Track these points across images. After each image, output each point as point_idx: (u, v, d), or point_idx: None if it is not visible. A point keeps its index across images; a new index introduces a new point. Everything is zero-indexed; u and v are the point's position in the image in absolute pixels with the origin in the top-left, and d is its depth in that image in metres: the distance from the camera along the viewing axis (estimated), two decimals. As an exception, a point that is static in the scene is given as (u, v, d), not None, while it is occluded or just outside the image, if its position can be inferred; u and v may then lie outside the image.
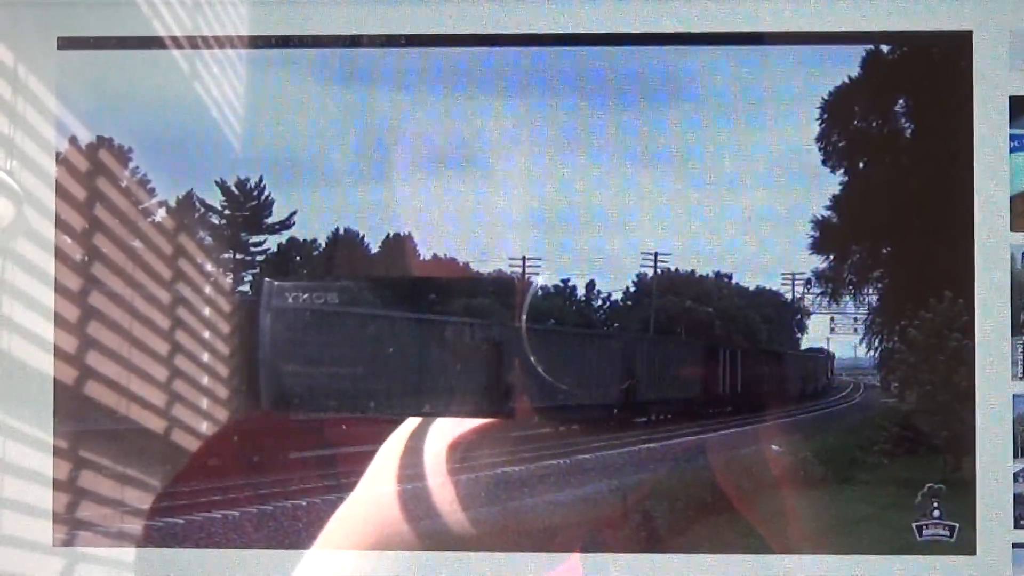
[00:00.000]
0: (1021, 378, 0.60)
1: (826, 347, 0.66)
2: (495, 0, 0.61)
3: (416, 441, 0.60)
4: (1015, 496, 0.60)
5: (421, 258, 0.63)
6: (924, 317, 0.61)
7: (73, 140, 0.63)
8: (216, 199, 0.63)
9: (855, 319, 0.65)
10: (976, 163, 0.60)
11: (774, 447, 0.64)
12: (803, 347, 0.66)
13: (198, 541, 0.62)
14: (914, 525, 0.61)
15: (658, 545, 0.61)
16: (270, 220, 0.64)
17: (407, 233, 0.63)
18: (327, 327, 0.61)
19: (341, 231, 0.63)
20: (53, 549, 0.61)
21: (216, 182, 0.63)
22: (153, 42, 0.62)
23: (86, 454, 0.62)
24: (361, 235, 0.63)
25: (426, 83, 0.62)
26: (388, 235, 0.63)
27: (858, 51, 0.62)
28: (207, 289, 0.64)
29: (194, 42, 0.63)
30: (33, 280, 0.62)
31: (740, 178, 0.62)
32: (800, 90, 0.62)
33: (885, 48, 0.62)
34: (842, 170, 0.63)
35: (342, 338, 0.61)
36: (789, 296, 0.64)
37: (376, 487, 0.60)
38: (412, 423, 0.61)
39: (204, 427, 0.64)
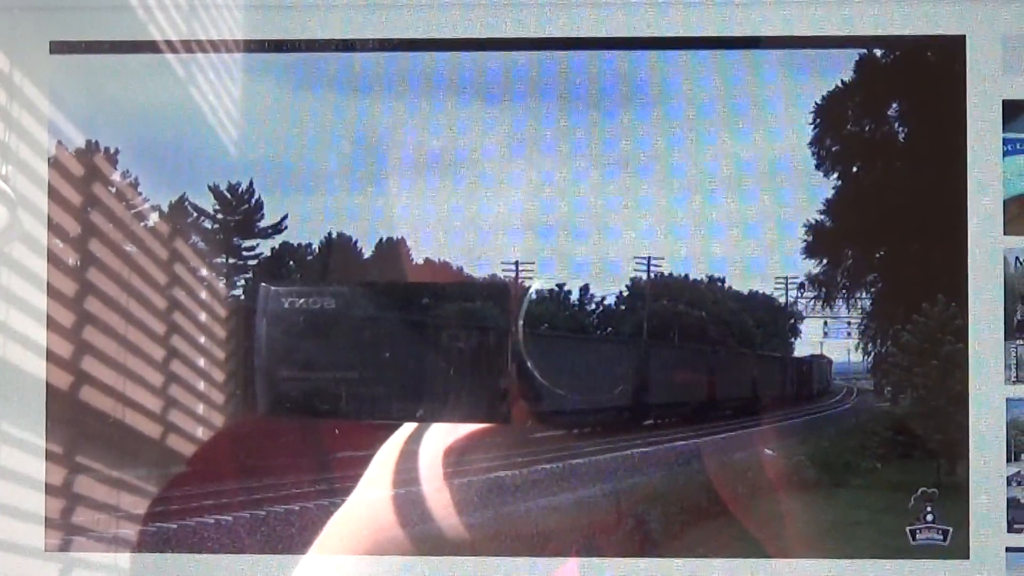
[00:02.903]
0: (1014, 382, 0.60)
1: (825, 353, 0.66)
2: (490, 5, 0.62)
3: (412, 446, 0.60)
4: (1008, 500, 0.60)
5: (414, 262, 0.63)
6: (918, 321, 0.62)
7: (66, 144, 0.63)
8: (209, 203, 0.63)
9: (848, 323, 0.65)
10: (969, 167, 0.61)
11: (767, 451, 0.64)
12: (796, 350, 0.66)
13: (191, 546, 0.62)
14: (908, 529, 0.61)
15: (653, 549, 0.61)
16: (262, 224, 0.64)
17: (400, 237, 0.63)
18: (323, 331, 0.61)
19: (334, 235, 0.63)
20: (45, 554, 0.61)
21: (209, 186, 0.63)
22: (146, 46, 0.62)
23: (79, 459, 0.62)
24: (354, 240, 0.63)
25: (420, 88, 0.63)
26: (381, 239, 0.63)
27: (852, 55, 0.62)
28: (200, 293, 0.64)
29: (187, 46, 0.63)
30: (25, 284, 0.62)
31: (733, 182, 0.62)
32: (794, 94, 0.62)
33: (879, 52, 0.62)
34: (836, 174, 0.63)
35: (337, 342, 0.61)
36: (782, 300, 0.64)
37: (372, 492, 0.60)
38: (408, 428, 0.61)
39: (198, 431, 0.64)
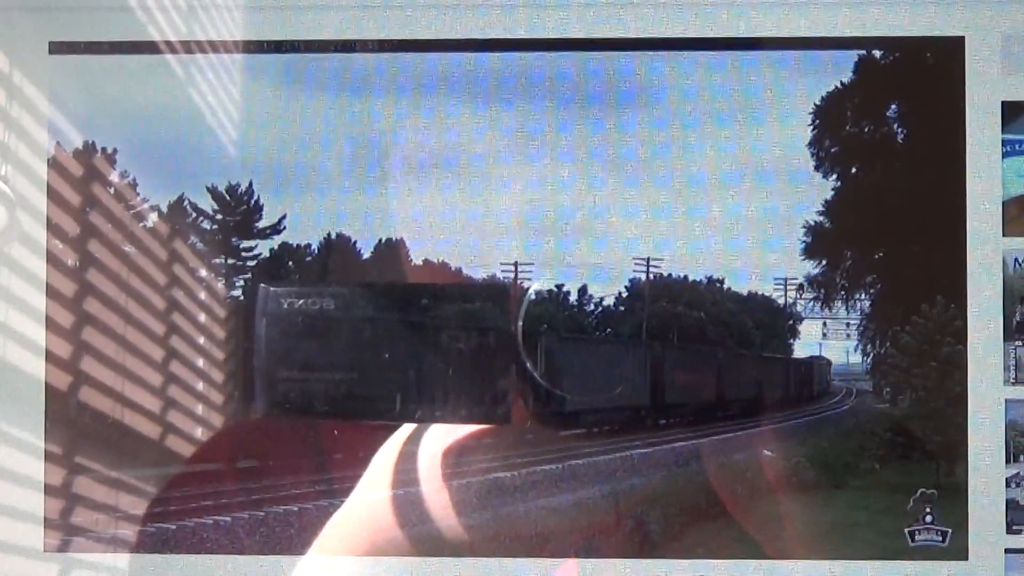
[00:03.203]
0: (1013, 383, 0.60)
1: (824, 354, 0.67)
2: (490, 5, 0.62)
3: (411, 446, 0.60)
4: (1007, 501, 0.60)
5: (413, 263, 0.63)
6: (916, 322, 0.61)
7: (65, 144, 0.63)
8: (207, 204, 0.63)
9: (847, 324, 0.65)
10: (968, 168, 0.60)
11: (766, 452, 0.64)
12: (795, 352, 0.66)
13: (190, 546, 0.62)
14: (907, 530, 0.61)
15: (652, 550, 0.61)
16: (261, 225, 0.64)
17: (399, 238, 0.63)
18: (322, 332, 0.61)
19: (334, 236, 0.63)
20: (44, 555, 0.61)
21: (207, 187, 0.63)
22: (145, 47, 0.62)
23: (78, 459, 0.62)
24: (354, 240, 0.63)
25: (419, 88, 0.62)
26: (380, 240, 0.63)
27: (851, 56, 0.62)
28: (199, 294, 0.64)
29: (187, 47, 0.63)
30: (25, 284, 0.62)
31: (732, 183, 0.62)
32: (793, 95, 0.62)
33: (878, 53, 0.62)
34: (835, 175, 0.63)
35: (336, 343, 0.61)
36: (781, 301, 0.64)
37: (371, 492, 0.60)
38: (407, 428, 0.61)
39: (197, 432, 0.64)
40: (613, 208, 0.62)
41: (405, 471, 0.60)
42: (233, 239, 0.64)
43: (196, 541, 0.62)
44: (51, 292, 0.62)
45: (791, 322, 0.65)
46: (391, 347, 0.60)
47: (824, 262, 0.63)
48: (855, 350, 0.65)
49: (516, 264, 0.62)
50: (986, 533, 0.60)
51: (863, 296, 0.64)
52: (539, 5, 0.61)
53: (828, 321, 0.65)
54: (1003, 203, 0.60)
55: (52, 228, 0.62)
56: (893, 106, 0.63)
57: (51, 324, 0.62)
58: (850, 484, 0.63)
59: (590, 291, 0.64)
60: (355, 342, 0.60)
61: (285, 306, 0.60)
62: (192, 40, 0.62)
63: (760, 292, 0.63)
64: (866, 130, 0.63)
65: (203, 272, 0.64)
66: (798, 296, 0.64)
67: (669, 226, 0.62)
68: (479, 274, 0.62)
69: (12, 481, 0.61)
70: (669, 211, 0.62)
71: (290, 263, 0.64)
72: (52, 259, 0.62)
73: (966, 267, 0.60)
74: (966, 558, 0.60)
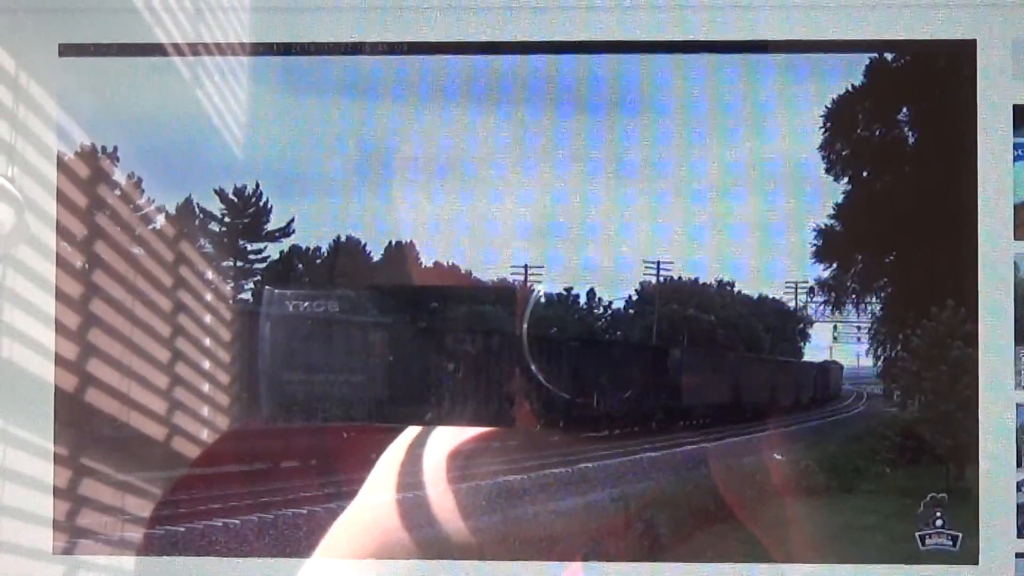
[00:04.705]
0: (1024, 387, 0.60)
1: (834, 357, 0.67)
2: (498, 9, 0.61)
3: (417, 449, 0.60)
4: (1018, 505, 0.60)
5: (423, 266, 0.63)
6: (927, 326, 0.61)
7: (74, 147, 0.63)
8: (216, 206, 0.63)
9: (858, 328, 0.64)
10: (980, 172, 0.60)
11: (776, 455, 0.64)
12: (806, 355, 0.66)
13: (199, 549, 0.61)
14: (917, 534, 0.61)
15: (660, 554, 0.61)
16: (270, 227, 0.64)
17: (409, 241, 0.63)
18: (328, 335, 0.61)
19: (343, 239, 0.63)
20: (53, 556, 0.61)
21: (215, 190, 0.63)
22: (154, 49, 0.62)
23: (86, 461, 0.62)
24: (363, 243, 0.63)
25: (429, 91, 0.62)
26: (390, 243, 0.63)
27: (862, 60, 0.62)
28: (207, 296, 0.64)
29: (195, 49, 0.62)
30: (34, 287, 0.62)
31: (743, 187, 0.62)
32: (804, 99, 0.62)
33: (889, 57, 0.62)
34: (845, 179, 0.63)
35: (341, 346, 0.61)
36: (792, 305, 0.64)
37: (376, 495, 0.60)
38: (413, 431, 0.60)
39: (204, 435, 0.64)
40: (623, 211, 0.62)
41: (410, 474, 0.60)
42: (241, 242, 0.64)
43: (205, 543, 0.62)
44: (60, 294, 0.62)
45: (801, 325, 0.65)
46: (396, 350, 0.60)
47: (835, 265, 0.63)
48: (866, 353, 0.64)
49: (526, 267, 0.62)
50: (997, 537, 0.60)
51: (874, 299, 0.64)
52: (551, 8, 0.61)
53: (839, 324, 0.65)
54: (1014, 206, 0.60)
55: (60, 230, 0.62)
56: (904, 109, 0.63)
57: (60, 326, 0.62)
58: (860, 488, 0.63)
59: (599, 294, 0.64)
60: (360, 345, 0.60)
61: (291, 309, 0.60)
62: (201, 42, 0.62)
63: (770, 295, 0.63)
64: (877, 133, 0.63)
65: (212, 275, 0.64)
66: (809, 299, 0.64)
67: (679, 229, 0.62)
68: (488, 277, 0.62)
69: (21, 483, 0.61)
70: (679, 214, 0.62)
71: (300, 265, 0.64)
72: (61, 261, 0.62)
73: (977, 270, 0.60)
74: (976, 562, 0.60)
